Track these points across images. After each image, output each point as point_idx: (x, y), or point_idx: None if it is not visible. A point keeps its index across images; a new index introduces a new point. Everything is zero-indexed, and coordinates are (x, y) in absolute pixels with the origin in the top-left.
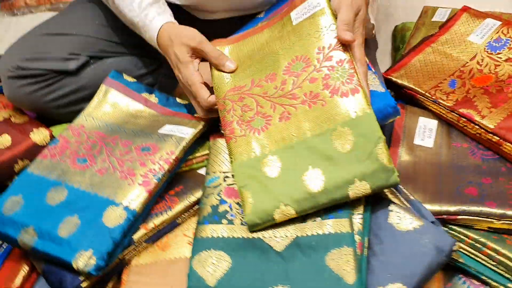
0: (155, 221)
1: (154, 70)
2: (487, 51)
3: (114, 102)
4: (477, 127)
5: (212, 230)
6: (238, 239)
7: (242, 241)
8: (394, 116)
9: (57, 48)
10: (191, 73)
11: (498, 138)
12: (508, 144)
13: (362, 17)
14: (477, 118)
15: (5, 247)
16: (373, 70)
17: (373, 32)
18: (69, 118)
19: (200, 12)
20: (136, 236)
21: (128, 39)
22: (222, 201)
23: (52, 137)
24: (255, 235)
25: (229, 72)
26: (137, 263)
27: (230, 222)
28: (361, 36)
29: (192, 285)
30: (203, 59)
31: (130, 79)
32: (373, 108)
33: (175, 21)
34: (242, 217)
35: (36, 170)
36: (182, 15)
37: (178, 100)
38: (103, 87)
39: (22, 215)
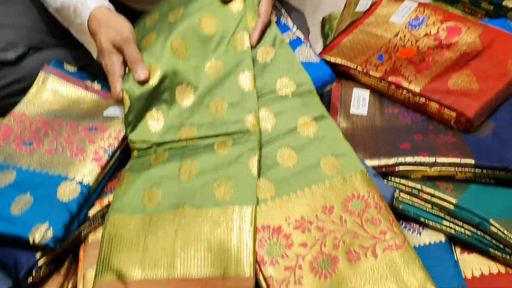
0: (110, 198)
1: (94, 60)
2: (408, 29)
3: (55, 88)
4: (406, 92)
5: None
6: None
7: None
8: (331, 83)
9: None
10: (112, 63)
11: (424, 100)
12: (433, 103)
13: None
14: (405, 84)
15: None
16: (307, 43)
17: None
18: (6, 110)
19: (136, 3)
20: (91, 213)
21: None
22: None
23: None
24: None
25: (138, 81)
26: (93, 239)
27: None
28: None
29: None
30: None
31: (71, 68)
32: (311, 77)
33: (111, 6)
34: None
35: None
36: (119, 6)
37: None
38: (41, 74)
39: None
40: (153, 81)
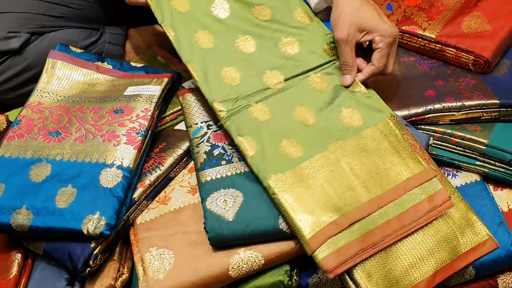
0: (150, 178)
1: (97, 40)
2: None
3: (66, 74)
4: (421, 39)
5: (215, 172)
6: (242, 174)
7: (246, 175)
8: None
9: None
10: None
11: (440, 46)
12: (450, 49)
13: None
14: (419, 31)
15: None
16: None
17: None
18: (18, 102)
19: None
20: (135, 195)
21: (67, 12)
22: (215, 146)
23: (8, 121)
24: None
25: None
26: (142, 221)
27: (229, 161)
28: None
29: (211, 224)
30: None
31: (77, 50)
32: None
33: None
34: (238, 155)
35: (7, 152)
36: None
37: (132, 64)
38: (49, 61)
39: (8, 199)
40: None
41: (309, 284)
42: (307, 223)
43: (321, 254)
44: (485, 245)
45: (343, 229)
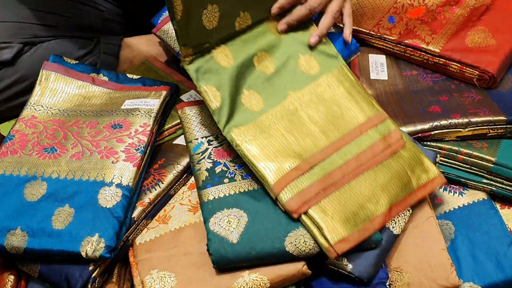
0: (150, 196)
1: (92, 50)
2: None
3: (60, 86)
4: (424, 53)
5: (218, 191)
6: (246, 193)
7: (250, 194)
8: (356, 52)
9: None
10: None
11: (445, 60)
12: (454, 63)
13: None
14: (423, 45)
15: None
16: None
17: None
18: (10, 114)
19: None
20: (135, 214)
21: (60, 20)
22: (216, 163)
23: (0, 135)
24: (260, 185)
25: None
26: (141, 241)
27: (232, 179)
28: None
29: (215, 246)
30: None
31: (71, 61)
32: (337, 48)
33: None
34: (241, 173)
35: (0, 169)
36: None
37: (128, 75)
38: (43, 73)
39: (2, 219)
40: None
41: None
42: (270, 170)
43: (285, 197)
44: (434, 182)
45: (304, 173)
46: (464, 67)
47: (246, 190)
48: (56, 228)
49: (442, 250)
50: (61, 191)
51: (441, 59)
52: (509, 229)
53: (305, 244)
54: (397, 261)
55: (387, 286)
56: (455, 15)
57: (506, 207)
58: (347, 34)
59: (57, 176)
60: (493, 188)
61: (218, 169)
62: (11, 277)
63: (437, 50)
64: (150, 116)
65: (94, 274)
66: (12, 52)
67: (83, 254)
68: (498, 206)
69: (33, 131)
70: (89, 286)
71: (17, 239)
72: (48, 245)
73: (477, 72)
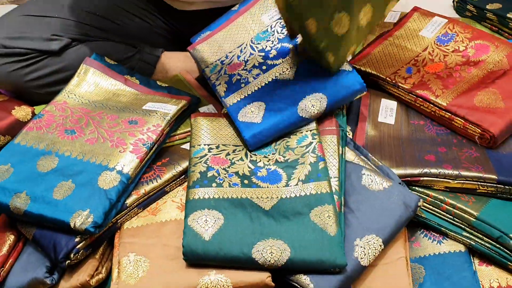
0: (146, 188)
1: (132, 56)
2: (437, 44)
3: (95, 81)
4: (432, 105)
5: (204, 192)
6: (228, 199)
7: (232, 201)
8: (361, 92)
9: (40, 29)
10: None
11: (450, 114)
12: (458, 119)
13: None
14: (432, 97)
15: None
16: None
17: None
18: (47, 99)
19: (177, 2)
20: (128, 201)
21: (112, 27)
22: (210, 168)
23: (34, 114)
24: (243, 195)
25: None
26: (129, 226)
27: (219, 185)
28: None
29: (187, 240)
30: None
31: (111, 61)
32: (343, 84)
33: None
34: (230, 181)
35: (23, 141)
36: (159, 5)
37: (158, 82)
38: (83, 67)
39: (12, 182)
40: None
41: None
42: None
43: None
44: None
45: None
46: (467, 124)
47: (230, 197)
48: (55, 198)
49: None
50: (69, 168)
51: (447, 113)
52: (481, 286)
53: (271, 254)
54: None
55: None
56: (470, 75)
57: (485, 264)
58: None
59: (69, 155)
60: (472, 242)
61: (210, 174)
62: (11, 237)
63: (444, 104)
64: (164, 118)
65: (78, 246)
66: (60, 44)
67: (72, 224)
68: (476, 262)
69: (61, 114)
70: (72, 256)
71: (20, 201)
72: (44, 212)
73: (479, 130)
